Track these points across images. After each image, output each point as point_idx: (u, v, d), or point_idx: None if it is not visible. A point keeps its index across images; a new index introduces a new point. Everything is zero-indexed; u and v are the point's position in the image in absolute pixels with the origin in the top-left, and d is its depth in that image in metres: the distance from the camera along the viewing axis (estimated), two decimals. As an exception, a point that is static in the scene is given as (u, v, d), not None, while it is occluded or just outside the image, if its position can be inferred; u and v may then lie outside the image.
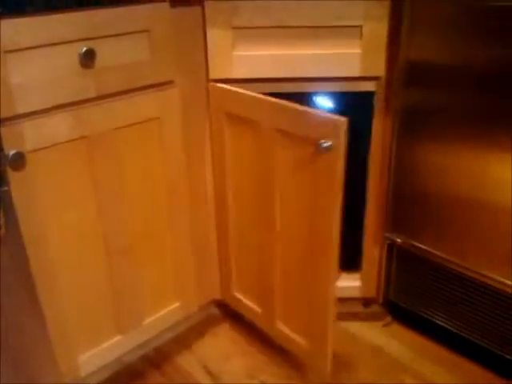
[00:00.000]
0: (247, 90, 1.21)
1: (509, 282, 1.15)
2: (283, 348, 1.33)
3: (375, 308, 1.51)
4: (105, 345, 1.23)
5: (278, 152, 1.10)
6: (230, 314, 1.48)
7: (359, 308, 1.52)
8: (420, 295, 1.36)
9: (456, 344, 1.33)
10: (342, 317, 1.49)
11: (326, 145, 0.96)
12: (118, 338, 1.24)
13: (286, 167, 1.10)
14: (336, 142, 0.95)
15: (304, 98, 1.41)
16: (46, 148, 0.98)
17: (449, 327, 1.33)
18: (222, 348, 1.40)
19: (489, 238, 1.16)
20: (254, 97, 1.11)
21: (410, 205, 1.29)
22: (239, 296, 1.39)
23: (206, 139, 1.25)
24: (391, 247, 1.38)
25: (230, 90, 1.16)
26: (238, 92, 1.15)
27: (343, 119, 0.94)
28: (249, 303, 1.36)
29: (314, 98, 1.78)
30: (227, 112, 1.19)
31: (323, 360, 1.18)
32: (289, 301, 1.24)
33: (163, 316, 1.32)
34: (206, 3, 1.12)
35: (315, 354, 1.20)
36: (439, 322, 1.35)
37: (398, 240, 1.33)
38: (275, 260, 1.22)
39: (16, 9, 0.88)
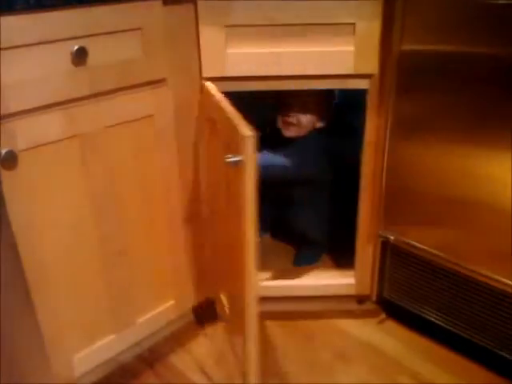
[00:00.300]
0: (241, 88, 1.22)
1: (503, 280, 1.16)
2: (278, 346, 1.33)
3: (369, 305, 1.51)
4: (99, 344, 1.22)
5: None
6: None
7: (353, 305, 1.52)
8: (414, 292, 1.37)
9: (451, 341, 1.34)
10: (336, 314, 1.49)
11: (233, 159, 0.91)
12: (112, 337, 1.24)
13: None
14: (244, 157, 0.90)
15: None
16: (38, 147, 0.97)
17: (443, 324, 1.33)
18: (217, 348, 1.39)
19: (481, 235, 1.17)
20: (212, 98, 1.10)
21: (404, 202, 1.29)
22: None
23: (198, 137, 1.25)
24: (385, 245, 1.38)
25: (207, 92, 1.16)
26: (208, 93, 1.15)
27: (250, 134, 0.88)
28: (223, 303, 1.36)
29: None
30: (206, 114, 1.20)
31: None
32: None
33: (158, 314, 1.31)
34: (198, 1, 1.12)
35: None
36: (433, 320, 1.35)
37: (392, 237, 1.34)
38: (229, 261, 1.20)
39: (7, 6, 0.87)
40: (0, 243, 0.94)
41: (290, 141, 1.45)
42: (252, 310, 1.02)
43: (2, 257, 0.96)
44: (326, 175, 1.54)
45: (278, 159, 1.40)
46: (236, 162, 0.91)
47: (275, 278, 1.51)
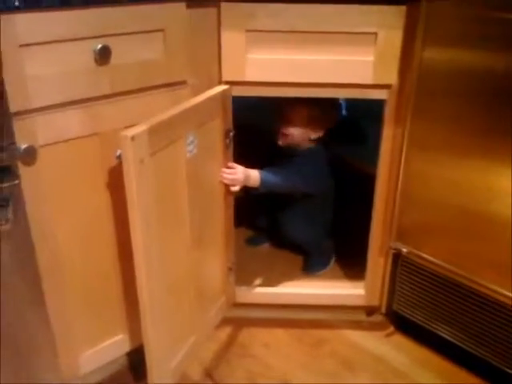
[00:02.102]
0: (259, 93, 1.22)
1: (515, 296, 1.15)
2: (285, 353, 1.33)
3: (378, 317, 1.50)
4: (106, 343, 1.22)
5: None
6: (233, 317, 1.47)
7: (362, 316, 1.51)
8: (423, 306, 1.36)
9: (459, 357, 1.32)
10: (345, 324, 1.49)
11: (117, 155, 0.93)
12: (120, 336, 1.24)
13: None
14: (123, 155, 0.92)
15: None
16: (57, 143, 0.98)
17: (452, 339, 1.32)
18: (223, 352, 1.39)
19: (494, 249, 1.15)
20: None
21: (417, 215, 1.28)
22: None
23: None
24: (396, 257, 1.37)
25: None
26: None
27: (129, 134, 0.89)
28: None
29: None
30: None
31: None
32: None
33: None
34: (221, 5, 1.12)
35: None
36: (442, 334, 1.34)
37: (404, 250, 1.33)
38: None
39: (32, 4, 0.88)
40: (15, 237, 0.95)
41: (293, 154, 1.47)
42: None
43: (16, 251, 0.96)
44: (330, 186, 1.56)
45: (281, 177, 1.41)
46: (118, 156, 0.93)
47: (285, 285, 1.51)
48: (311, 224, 1.56)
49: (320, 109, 1.42)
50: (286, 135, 1.45)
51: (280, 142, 1.47)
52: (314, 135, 1.46)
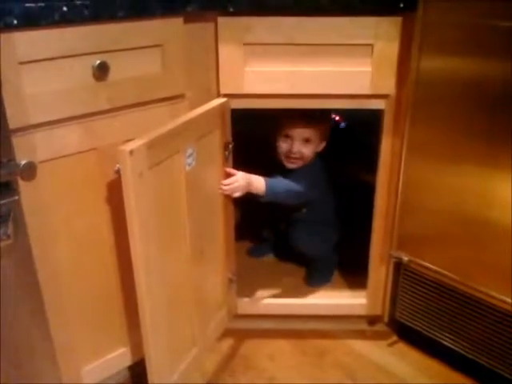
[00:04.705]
0: (257, 105, 1.23)
1: (517, 304, 1.14)
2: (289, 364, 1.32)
3: (380, 327, 1.50)
4: (108, 357, 1.22)
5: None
6: (235, 328, 1.47)
7: (364, 326, 1.51)
8: (425, 314, 1.35)
9: (462, 365, 1.32)
10: (348, 334, 1.48)
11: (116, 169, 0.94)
12: (121, 350, 1.24)
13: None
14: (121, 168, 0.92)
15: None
16: (57, 158, 0.99)
17: (455, 347, 1.32)
18: (226, 363, 1.39)
19: (497, 257, 1.15)
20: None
21: (417, 223, 1.28)
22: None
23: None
24: (398, 266, 1.37)
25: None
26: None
27: (127, 149, 0.89)
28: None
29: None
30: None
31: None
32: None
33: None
34: (219, 20, 1.14)
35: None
36: (445, 343, 1.33)
37: (405, 258, 1.33)
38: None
39: (31, 21, 0.89)
40: (16, 252, 0.95)
41: (295, 168, 1.47)
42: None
43: (17, 266, 0.96)
44: (331, 196, 1.56)
45: (286, 186, 1.40)
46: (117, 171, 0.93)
47: (287, 296, 1.51)
48: (323, 238, 1.56)
49: (320, 121, 1.42)
50: (296, 158, 1.43)
51: (289, 166, 1.45)
52: (320, 148, 1.47)
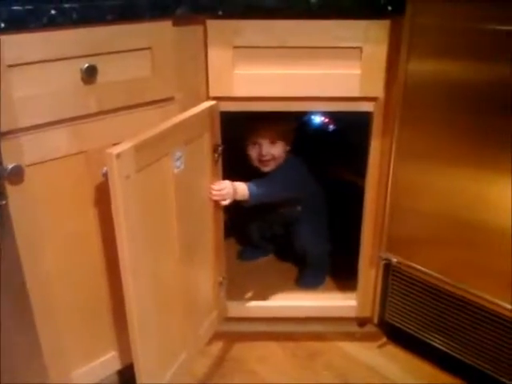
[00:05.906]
0: (246, 108, 1.23)
1: (507, 306, 1.15)
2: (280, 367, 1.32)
3: (370, 328, 1.50)
4: (97, 361, 1.22)
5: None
6: (225, 331, 1.47)
7: (354, 328, 1.51)
8: (415, 316, 1.36)
9: (452, 367, 1.32)
10: (338, 336, 1.49)
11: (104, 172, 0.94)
12: (111, 354, 1.23)
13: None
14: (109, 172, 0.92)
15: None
16: (45, 162, 0.98)
17: (444, 349, 1.32)
18: (217, 366, 1.38)
19: (486, 258, 1.16)
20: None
21: (407, 225, 1.29)
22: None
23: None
24: (387, 267, 1.37)
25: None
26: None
27: (114, 152, 0.89)
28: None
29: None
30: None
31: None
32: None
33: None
34: (208, 23, 1.14)
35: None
36: (435, 344, 1.34)
37: (394, 260, 1.33)
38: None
39: (19, 25, 0.89)
40: (3, 258, 0.94)
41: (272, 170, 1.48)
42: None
43: (4, 272, 0.96)
44: (320, 190, 1.58)
45: (266, 188, 1.41)
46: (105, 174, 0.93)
47: (277, 298, 1.51)
48: (322, 233, 1.59)
49: (285, 120, 1.43)
50: (268, 161, 1.45)
51: (265, 169, 1.46)
52: (288, 147, 1.48)
